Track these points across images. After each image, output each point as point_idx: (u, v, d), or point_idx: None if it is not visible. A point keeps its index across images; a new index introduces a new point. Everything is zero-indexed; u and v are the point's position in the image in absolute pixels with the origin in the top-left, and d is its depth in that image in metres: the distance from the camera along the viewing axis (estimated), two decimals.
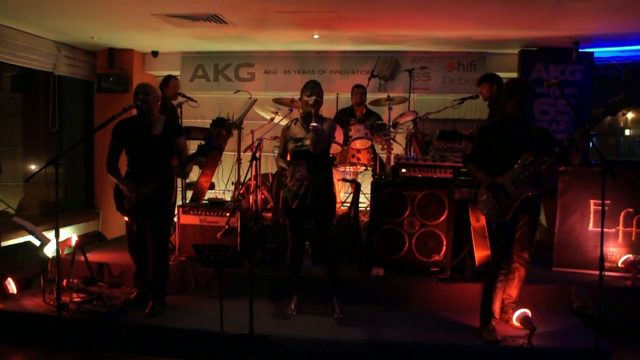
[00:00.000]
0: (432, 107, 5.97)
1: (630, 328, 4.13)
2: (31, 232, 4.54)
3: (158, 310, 4.02)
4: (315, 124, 3.76)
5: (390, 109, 5.73)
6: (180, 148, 4.04)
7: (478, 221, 4.45)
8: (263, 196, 5.37)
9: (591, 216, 4.72)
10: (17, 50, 6.09)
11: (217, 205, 4.94)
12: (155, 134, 3.96)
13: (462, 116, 5.99)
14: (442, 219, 4.57)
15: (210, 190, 5.70)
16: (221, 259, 3.54)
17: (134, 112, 4.00)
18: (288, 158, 4.13)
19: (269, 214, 5.24)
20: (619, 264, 4.65)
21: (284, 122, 5.84)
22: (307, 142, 3.88)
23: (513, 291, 3.88)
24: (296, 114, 5.91)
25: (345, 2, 4.97)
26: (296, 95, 6.22)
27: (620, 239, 4.70)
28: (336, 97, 7.08)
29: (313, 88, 3.89)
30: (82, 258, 4.71)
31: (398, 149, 5.92)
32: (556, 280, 4.51)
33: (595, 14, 5.10)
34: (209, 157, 5.50)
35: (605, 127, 7.85)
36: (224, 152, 5.65)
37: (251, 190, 5.17)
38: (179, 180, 5.41)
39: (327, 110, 5.44)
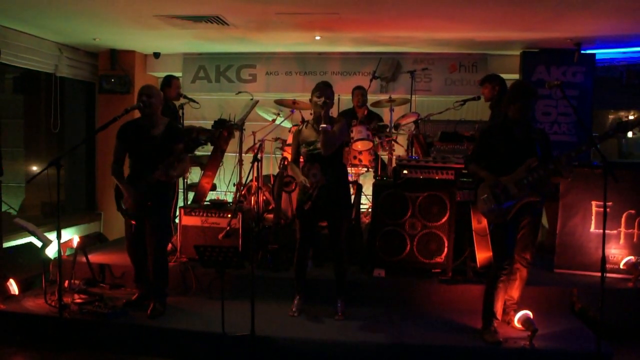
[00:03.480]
0: (434, 108, 5.97)
1: (632, 330, 4.12)
2: (33, 233, 4.56)
3: (159, 311, 4.02)
4: (324, 126, 3.77)
5: (391, 110, 5.73)
6: (177, 154, 4.01)
7: (480, 222, 4.45)
8: (264, 197, 5.37)
9: (593, 218, 4.72)
10: (19, 52, 6.10)
11: (218, 206, 4.94)
12: (155, 134, 3.95)
13: (463, 117, 5.98)
14: (443, 220, 4.56)
15: (211, 192, 5.70)
16: (222, 260, 3.55)
17: (137, 114, 3.99)
18: (301, 161, 4.11)
19: (271, 215, 5.23)
20: (621, 266, 4.64)
21: (286, 124, 5.86)
22: (319, 144, 3.86)
23: (515, 292, 3.87)
24: (297, 115, 5.94)
25: (347, 4, 4.97)
26: (297, 96, 6.28)
27: (622, 241, 4.69)
28: (337, 99, 7.08)
29: (322, 89, 3.88)
30: (84, 259, 4.71)
31: (400, 151, 5.92)
32: (558, 282, 4.50)
33: (596, 15, 5.10)
34: (210, 158, 5.52)
35: (607, 129, 7.81)
36: (225, 154, 5.65)
37: (253, 191, 5.18)
38: (180, 182, 5.40)
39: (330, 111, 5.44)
